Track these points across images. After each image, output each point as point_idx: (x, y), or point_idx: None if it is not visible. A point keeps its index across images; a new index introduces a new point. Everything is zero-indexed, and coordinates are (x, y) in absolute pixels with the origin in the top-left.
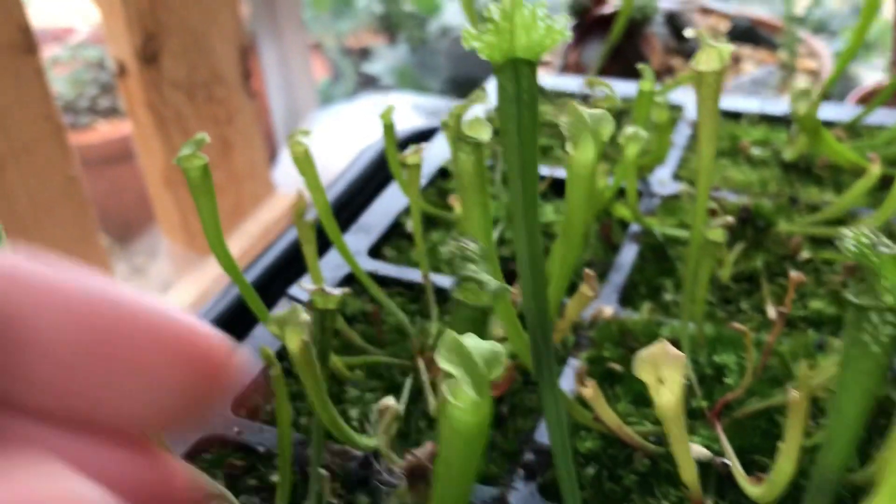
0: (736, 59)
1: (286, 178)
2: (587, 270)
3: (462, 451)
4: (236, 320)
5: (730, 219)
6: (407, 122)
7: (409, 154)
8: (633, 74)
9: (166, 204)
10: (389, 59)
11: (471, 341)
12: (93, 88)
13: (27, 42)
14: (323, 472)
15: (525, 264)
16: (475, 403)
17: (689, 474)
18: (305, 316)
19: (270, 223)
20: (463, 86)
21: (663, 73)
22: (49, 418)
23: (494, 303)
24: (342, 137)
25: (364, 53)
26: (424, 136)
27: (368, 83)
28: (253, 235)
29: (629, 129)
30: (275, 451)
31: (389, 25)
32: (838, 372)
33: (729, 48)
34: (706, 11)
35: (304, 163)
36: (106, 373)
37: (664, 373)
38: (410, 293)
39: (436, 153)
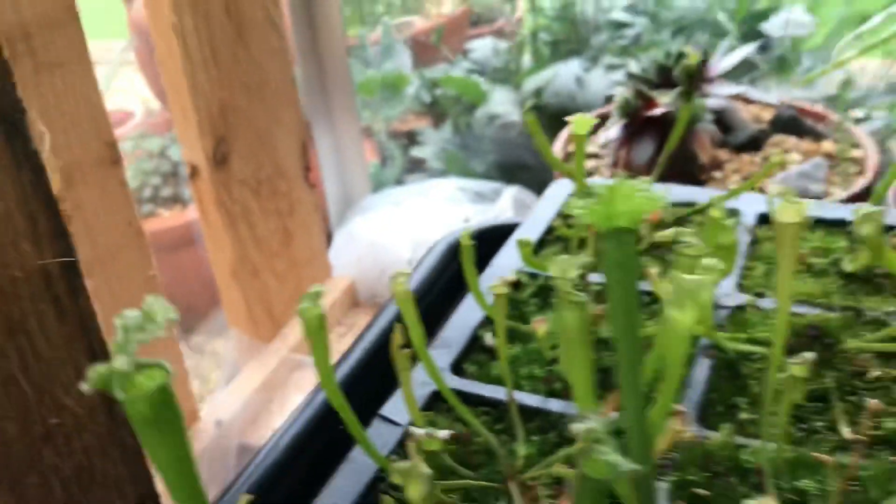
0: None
1: (339, 260)
2: (680, 407)
3: None
4: (322, 431)
5: (810, 355)
6: (480, 214)
7: (497, 285)
8: (684, 174)
9: (233, 294)
10: (435, 143)
11: None
12: (155, 178)
13: (113, 155)
14: None
15: (633, 423)
16: None
17: None
18: (427, 469)
19: (328, 305)
20: (509, 170)
21: (712, 167)
22: None
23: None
24: (398, 223)
25: (410, 137)
26: (501, 231)
27: (416, 166)
28: None
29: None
30: None
31: (435, 110)
32: None
33: (805, 206)
34: (748, 101)
35: (405, 301)
36: None
37: None
38: (495, 412)
39: (506, 260)
